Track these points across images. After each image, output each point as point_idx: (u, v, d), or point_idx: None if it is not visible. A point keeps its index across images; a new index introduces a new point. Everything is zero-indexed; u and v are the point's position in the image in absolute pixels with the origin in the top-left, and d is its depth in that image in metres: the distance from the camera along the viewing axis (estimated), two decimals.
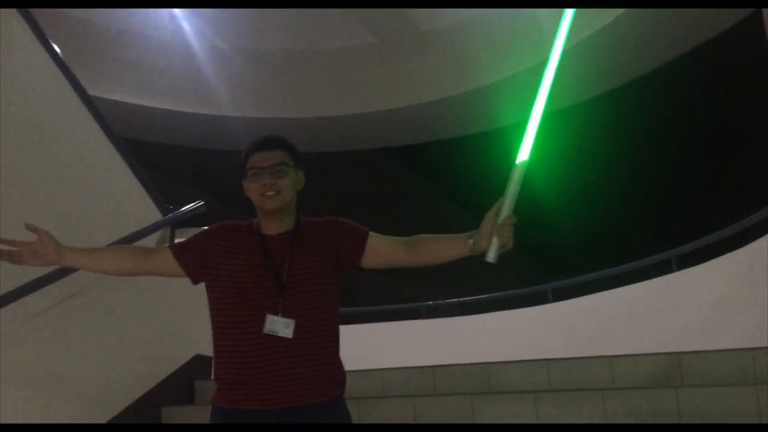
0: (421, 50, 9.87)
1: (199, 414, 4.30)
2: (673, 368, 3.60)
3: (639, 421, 3.27)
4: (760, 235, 5.85)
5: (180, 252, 2.24)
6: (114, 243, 4.21)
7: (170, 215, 4.83)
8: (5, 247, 2.22)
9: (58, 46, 4.44)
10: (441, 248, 2.17)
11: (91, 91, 4.66)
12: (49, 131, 4.17)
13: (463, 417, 3.58)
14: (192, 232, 5.06)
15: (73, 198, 4.27)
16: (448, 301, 8.21)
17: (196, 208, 5.02)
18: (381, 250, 2.20)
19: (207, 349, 4.87)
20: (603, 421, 3.34)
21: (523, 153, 2.09)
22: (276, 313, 2.05)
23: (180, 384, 4.58)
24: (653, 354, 3.92)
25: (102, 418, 3.98)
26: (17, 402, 3.46)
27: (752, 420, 3.07)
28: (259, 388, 2.05)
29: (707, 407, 3.20)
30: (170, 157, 10.69)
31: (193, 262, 2.21)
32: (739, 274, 5.93)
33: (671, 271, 6.82)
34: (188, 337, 4.75)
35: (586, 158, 10.46)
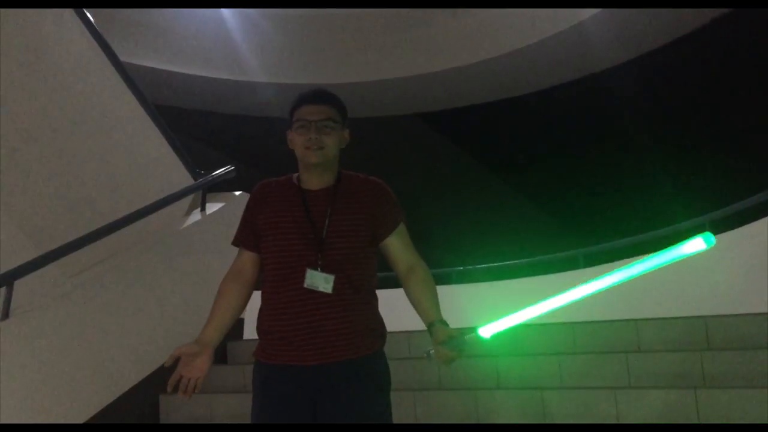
0: (449, 14, 9.78)
1: (232, 373, 4.43)
2: (699, 332, 3.61)
3: (663, 383, 3.30)
4: None
5: (247, 243, 2.22)
6: (146, 206, 4.31)
7: (201, 180, 4.91)
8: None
9: (91, 15, 4.51)
10: (417, 303, 2.15)
11: (123, 59, 4.72)
12: (83, 98, 4.25)
13: (489, 378, 3.64)
14: (223, 196, 5.19)
15: (107, 162, 4.37)
16: (478, 267, 8.23)
17: (226, 172, 5.09)
18: (393, 248, 2.19)
19: None
20: (627, 383, 3.37)
21: (489, 330, 1.99)
22: (315, 268, 2.06)
23: None
24: (679, 317, 3.91)
25: (138, 376, 4.11)
26: (41, 367, 3.59)
27: None
28: (298, 343, 2.06)
29: (732, 370, 3.22)
30: (201, 123, 10.79)
31: (255, 240, 2.19)
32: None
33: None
34: None
35: (615, 123, 10.33)
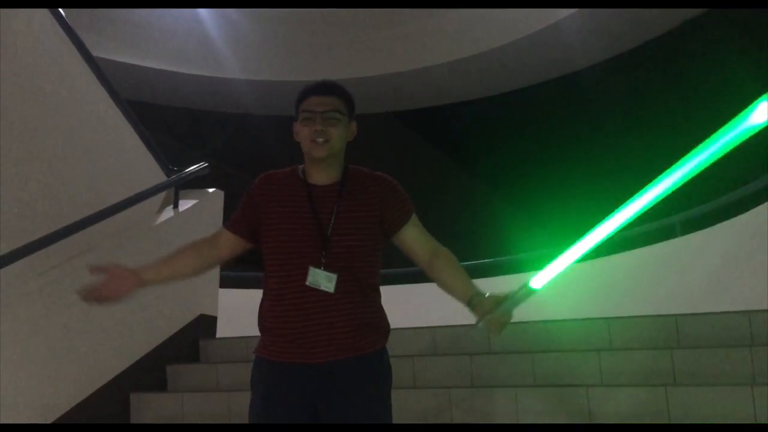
0: (425, 12, 9.79)
1: (204, 372, 4.39)
2: (670, 330, 3.64)
3: (634, 381, 3.32)
4: (761, 202, 5.85)
5: (236, 226, 2.20)
6: (117, 204, 4.26)
7: (174, 176, 4.86)
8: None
9: (62, 8, 4.43)
10: (449, 282, 2.12)
11: (95, 53, 4.64)
12: (53, 93, 4.17)
13: (463, 375, 3.64)
14: (196, 193, 5.14)
15: (78, 159, 4.30)
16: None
17: (200, 169, 5.04)
18: (410, 239, 2.17)
19: (211, 309, 4.98)
20: (599, 381, 3.39)
21: (540, 280, 1.94)
22: (319, 266, 2.03)
23: (184, 343, 4.66)
24: (651, 316, 3.95)
25: (107, 376, 4.06)
26: (22, 359, 3.53)
27: (746, 380, 3.12)
28: (300, 341, 2.04)
29: (702, 368, 3.25)
30: (175, 119, 10.69)
31: (249, 228, 2.17)
32: (741, 240, 5.95)
33: (674, 236, 6.84)
34: (192, 297, 4.82)
35: (592, 122, 10.41)
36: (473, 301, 2.04)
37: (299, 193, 2.12)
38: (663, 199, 1.69)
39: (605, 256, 7.23)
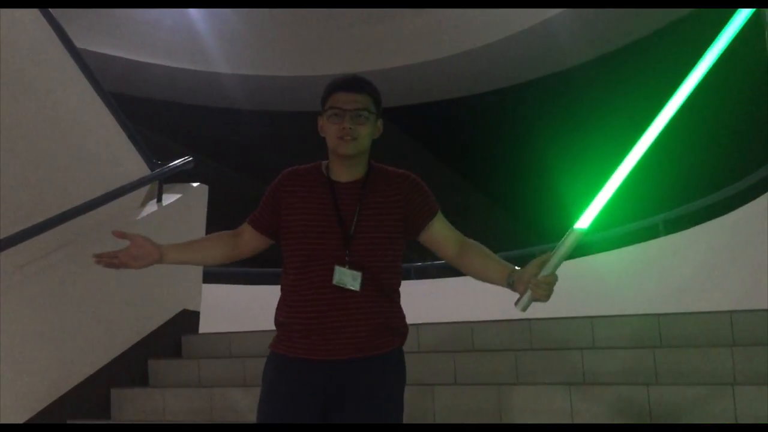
0: (415, 11, 9.77)
1: (186, 367, 4.36)
2: (652, 329, 3.66)
3: (616, 380, 3.33)
4: (744, 202, 5.91)
5: (259, 223, 2.19)
6: (99, 197, 4.23)
7: (158, 170, 4.81)
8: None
9: (55, 8, 4.38)
10: (484, 268, 2.11)
11: (78, 44, 4.59)
12: (36, 85, 4.13)
13: (446, 374, 3.64)
14: (180, 187, 5.10)
15: (61, 152, 4.26)
16: (435, 263, 8.25)
17: (184, 163, 5.00)
18: (436, 236, 2.16)
19: (193, 304, 4.94)
20: (581, 379, 3.40)
21: (585, 220, 1.97)
22: (343, 264, 2.02)
23: (167, 338, 4.62)
24: (633, 315, 3.97)
25: (88, 371, 4.02)
26: (3, 354, 3.49)
27: (727, 380, 3.14)
28: (321, 340, 2.02)
29: (683, 367, 3.27)
30: (160, 113, 10.61)
31: (272, 225, 2.15)
32: (723, 240, 6.00)
33: (658, 236, 6.88)
34: (175, 292, 4.78)
35: (579, 120, 10.44)
36: (513, 277, 2.02)
37: (322, 189, 2.10)
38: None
39: (589, 254, 7.28)
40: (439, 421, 3.30)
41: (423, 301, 6.98)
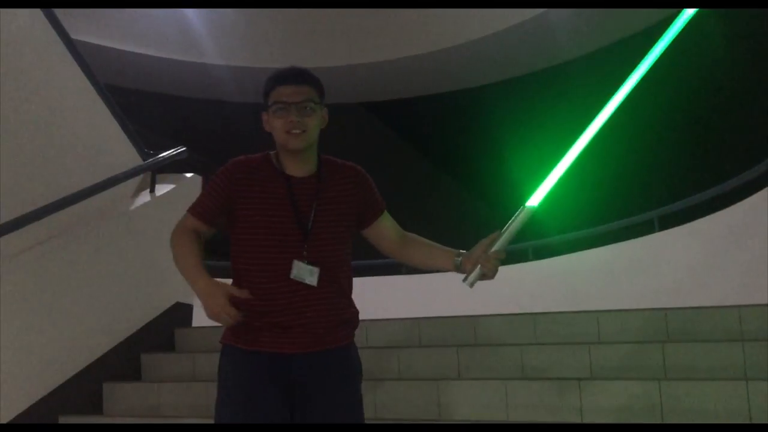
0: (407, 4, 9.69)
1: (180, 361, 4.26)
2: (659, 324, 3.60)
3: (625, 375, 3.27)
4: (741, 198, 5.89)
5: (208, 214, 2.09)
6: (90, 187, 4.12)
7: (150, 160, 4.71)
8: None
9: (56, 8, 4.28)
10: (429, 256, 2.16)
11: (73, 35, 4.49)
12: (29, 75, 4.01)
13: (449, 368, 3.56)
14: (173, 177, 4.99)
15: (53, 141, 4.15)
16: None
17: (177, 153, 4.90)
18: (381, 230, 2.19)
19: (187, 296, 4.83)
20: (588, 374, 3.34)
21: (536, 198, 2.02)
22: (301, 259, 2.01)
23: (160, 331, 4.51)
24: (639, 310, 3.91)
25: (80, 365, 3.91)
26: None
27: (739, 374, 3.08)
28: (282, 334, 2.00)
29: (693, 362, 3.21)
30: (149, 105, 10.45)
31: (220, 214, 2.08)
32: (719, 236, 5.98)
33: (652, 232, 6.85)
34: (167, 284, 4.67)
35: (568, 117, 10.40)
36: (460, 258, 2.06)
37: (277, 184, 2.06)
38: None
39: (581, 250, 7.24)
40: (443, 417, 3.23)
41: (421, 296, 6.92)
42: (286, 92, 2.04)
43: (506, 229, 2.01)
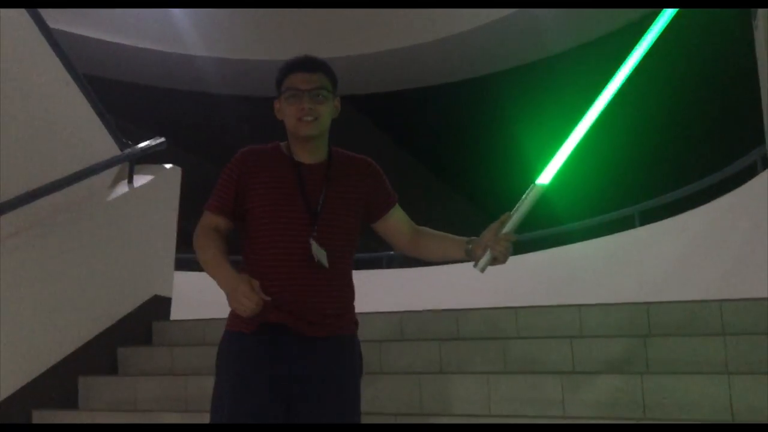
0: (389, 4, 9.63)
1: (156, 354, 4.20)
2: (642, 318, 3.58)
3: (607, 369, 3.25)
4: (722, 193, 5.92)
5: (225, 207, 2.10)
6: (65, 177, 4.04)
7: (128, 150, 4.63)
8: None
9: (44, 8, 4.20)
10: (440, 247, 2.17)
11: (52, 25, 4.40)
12: (5, 65, 3.93)
13: (431, 362, 3.53)
14: (152, 168, 4.91)
15: (31, 131, 4.07)
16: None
17: (157, 144, 4.82)
18: (392, 223, 2.20)
19: (165, 289, 4.76)
20: (570, 368, 3.32)
21: (546, 176, 2.00)
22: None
23: (137, 324, 4.44)
24: (621, 303, 3.90)
25: (54, 358, 3.84)
26: None
27: (720, 368, 3.07)
28: (288, 314, 2.00)
29: (675, 356, 3.20)
30: (129, 96, 10.32)
31: (236, 206, 2.09)
32: (701, 231, 6.01)
33: (633, 227, 6.88)
34: (146, 276, 4.60)
35: (553, 111, 10.41)
36: (470, 245, 2.06)
37: (287, 170, 2.07)
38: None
39: (563, 245, 7.26)
40: (426, 410, 3.19)
41: (404, 289, 6.90)
42: (298, 79, 2.05)
43: (516, 209, 1.99)
